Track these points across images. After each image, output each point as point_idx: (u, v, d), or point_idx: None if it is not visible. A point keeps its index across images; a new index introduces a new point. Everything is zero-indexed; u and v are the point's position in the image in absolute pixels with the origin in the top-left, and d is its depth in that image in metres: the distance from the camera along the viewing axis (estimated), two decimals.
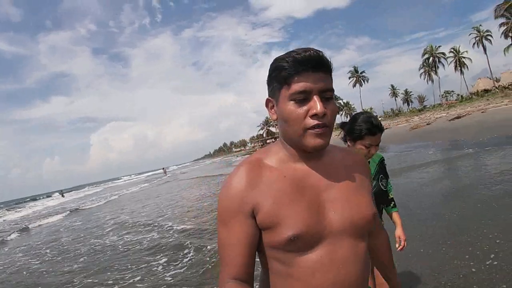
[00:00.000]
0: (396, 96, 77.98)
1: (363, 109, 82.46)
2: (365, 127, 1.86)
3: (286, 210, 0.80)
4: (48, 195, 68.46)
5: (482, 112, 20.08)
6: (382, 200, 2.10)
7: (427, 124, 22.87)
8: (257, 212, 0.82)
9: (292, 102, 0.79)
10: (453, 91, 61.16)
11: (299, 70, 0.77)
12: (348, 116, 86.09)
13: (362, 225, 0.84)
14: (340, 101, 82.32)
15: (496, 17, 38.35)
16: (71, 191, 72.19)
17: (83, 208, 18.45)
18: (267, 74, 0.86)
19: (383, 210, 2.13)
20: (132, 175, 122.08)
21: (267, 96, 0.89)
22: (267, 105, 0.88)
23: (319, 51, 0.80)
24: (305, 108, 0.79)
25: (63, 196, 50.49)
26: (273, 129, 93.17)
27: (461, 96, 50.57)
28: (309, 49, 0.79)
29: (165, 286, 4.19)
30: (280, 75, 0.80)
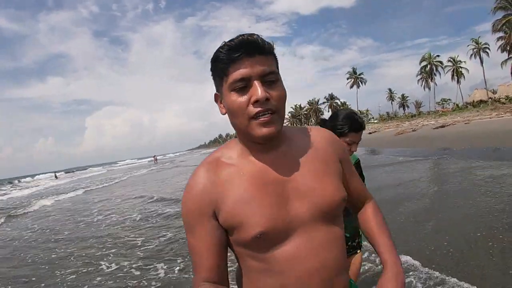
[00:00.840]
0: (393, 100, 78.50)
1: (359, 110, 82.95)
2: (349, 124, 1.83)
3: (248, 208, 0.77)
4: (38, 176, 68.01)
5: (465, 123, 20.62)
6: None
7: (412, 131, 23.40)
8: (218, 213, 0.80)
9: (233, 92, 0.76)
10: (449, 99, 61.98)
11: (233, 58, 0.74)
12: None
13: (331, 211, 0.81)
14: (337, 101, 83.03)
15: (494, 32, 38.84)
16: (64, 172, 71.76)
17: (97, 187, 18.68)
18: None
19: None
20: (127, 160, 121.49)
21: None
22: (216, 100, 0.85)
23: (254, 34, 0.76)
24: (246, 96, 0.75)
25: (56, 177, 49.67)
26: None
27: (457, 104, 51.17)
28: (242, 34, 0.76)
29: None
30: (218, 66, 0.77)
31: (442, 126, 21.30)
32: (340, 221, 0.86)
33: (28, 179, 55.49)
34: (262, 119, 0.74)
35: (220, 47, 0.76)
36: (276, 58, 0.81)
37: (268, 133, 0.76)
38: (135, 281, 3.84)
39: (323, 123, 1.98)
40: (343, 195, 0.84)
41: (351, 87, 72.00)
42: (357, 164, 2.02)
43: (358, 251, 2.07)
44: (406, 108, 79.77)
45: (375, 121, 66.47)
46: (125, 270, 4.25)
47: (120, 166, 73.01)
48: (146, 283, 3.75)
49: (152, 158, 63.63)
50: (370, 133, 28.11)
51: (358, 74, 71.23)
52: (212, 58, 0.79)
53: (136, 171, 32.08)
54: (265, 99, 0.73)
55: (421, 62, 56.46)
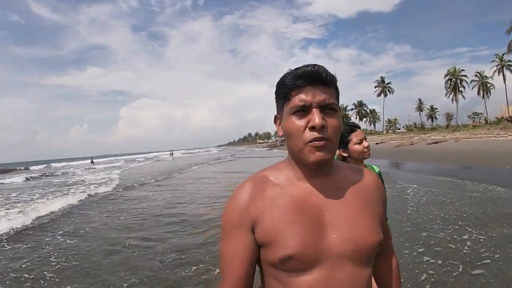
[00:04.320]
0: (421, 111, 78.11)
1: (387, 119, 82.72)
2: (348, 128, 2.01)
3: (283, 229, 0.79)
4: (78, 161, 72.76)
5: (456, 141, 22.85)
6: None
7: (410, 144, 25.77)
8: (256, 228, 0.82)
9: (293, 116, 0.80)
10: (481, 113, 61.55)
11: (297, 85, 0.79)
12: (372, 123, 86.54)
13: (365, 251, 0.80)
14: (366, 108, 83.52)
15: (509, 52, 39.58)
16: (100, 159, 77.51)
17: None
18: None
19: None
20: (161, 152, 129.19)
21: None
22: (275, 122, 0.89)
23: (320, 66, 0.80)
24: (304, 121, 0.79)
25: (92, 162, 51.82)
26: None
27: (485, 119, 51.17)
28: (310, 64, 0.80)
29: None
30: (282, 91, 0.83)
31: (436, 143, 23.57)
32: (370, 265, 0.84)
33: (63, 163, 60.10)
34: (316, 143, 0.78)
35: (287, 73, 0.82)
36: (338, 90, 0.85)
37: (320, 158, 0.79)
38: None
39: None
40: (380, 238, 0.83)
41: (379, 95, 72.77)
42: (379, 176, 1.94)
43: None
44: (434, 119, 79.41)
45: (404, 130, 66.64)
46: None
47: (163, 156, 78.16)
48: None
49: (169, 153, 66.60)
50: (377, 143, 30.07)
51: (386, 83, 72.10)
52: (278, 82, 0.84)
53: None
54: (321, 126, 0.77)
55: (445, 76, 57.09)
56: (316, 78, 0.79)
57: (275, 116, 0.90)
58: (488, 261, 3.76)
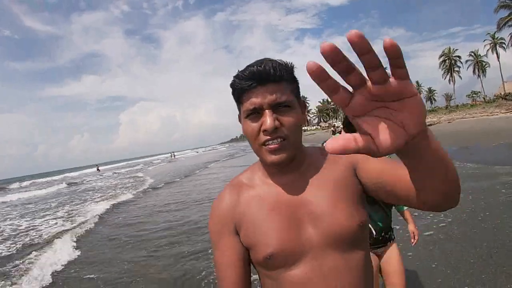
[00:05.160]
0: (420, 93, 77.89)
1: None
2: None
3: (261, 230, 0.81)
4: (84, 169, 73.02)
5: (448, 122, 23.51)
6: None
7: None
8: (239, 232, 0.85)
9: (247, 119, 0.79)
10: (479, 92, 61.61)
11: (246, 87, 0.77)
12: None
13: (346, 237, 0.79)
14: None
15: (498, 30, 40.15)
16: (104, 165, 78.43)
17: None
18: None
19: (393, 209, 2.12)
20: (164, 154, 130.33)
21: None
22: (240, 121, 0.86)
23: (268, 61, 0.77)
24: (258, 124, 0.78)
25: (98, 170, 51.68)
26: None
27: (484, 98, 51.25)
28: (257, 61, 0.78)
29: None
30: (235, 94, 0.81)
31: (429, 125, 24.22)
32: (360, 248, 0.82)
33: (78, 172, 59.79)
34: (271, 146, 0.77)
35: (235, 76, 0.79)
36: (296, 80, 0.82)
37: (277, 160, 0.78)
38: None
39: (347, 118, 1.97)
40: (359, 220, 0.80)
41: None
42: None
43: (389, 242, 2.04)
44: (433, 101, 79.84)
45: None
46: None
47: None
48: None
49: (170, 155, 66.32)
50: None
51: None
52: (230, 85, 0.81)
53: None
54: (273, 128, 0.75)
55: (440, 57, 57.79)
56: (264, 77, 0.76)
57: (238, 116, 0.87)
58: None
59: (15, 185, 39.71)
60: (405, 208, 2.23)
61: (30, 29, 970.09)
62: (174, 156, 62.96)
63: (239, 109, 0.84)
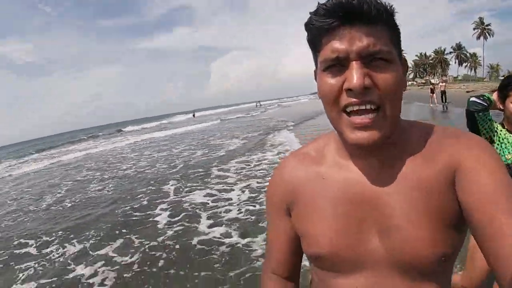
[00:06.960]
0: None
1: (488, 64, 75.62)
2: (506, 78, 1.52)
3: (314, 222, 0.65)
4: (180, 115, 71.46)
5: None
6: None
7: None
8: (291, 213, 0.72)
9: (324, 73, 0.56)
10: None
11: (325, 26, 0.53)
12: (473, 69, 76.81)
13: (419, 266, 0.57)
14: (465, 52, 76.29)
15: None
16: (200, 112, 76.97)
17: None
18: None
19: None
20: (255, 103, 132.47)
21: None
22: (316, 79, 0.62)
23: None
24: (339, 79, 0.54)
25: (194, 116, 54.09)
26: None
27: None
28: None
29: None
30: (309, 37, 0.58)
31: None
32: (437, 281, 0.60)
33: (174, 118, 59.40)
34: (357, 120, 0.54)
35: (312, 12, 0.55)
36: (397, 28, 0.57)
37: (364, 141, 0.54)
38: None
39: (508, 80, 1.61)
40: (443, 252, 0.57)
41: (478, 38, 67.99)
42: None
43: None
44: None
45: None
46: None
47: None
48: None
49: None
50: (467, 91, 25.74)
51: (485, 24, 66.95)
52: (304, 24, 0.58)
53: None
54: (362, 88, 0.52)
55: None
56: (355, 13, 0.51)
57: (314, 71, 0.63)
58: None
59: (129, 128, 41.47)
60: None
61: None
62: (260, 104, 62.50)
63: (315, 61, 0.60)
